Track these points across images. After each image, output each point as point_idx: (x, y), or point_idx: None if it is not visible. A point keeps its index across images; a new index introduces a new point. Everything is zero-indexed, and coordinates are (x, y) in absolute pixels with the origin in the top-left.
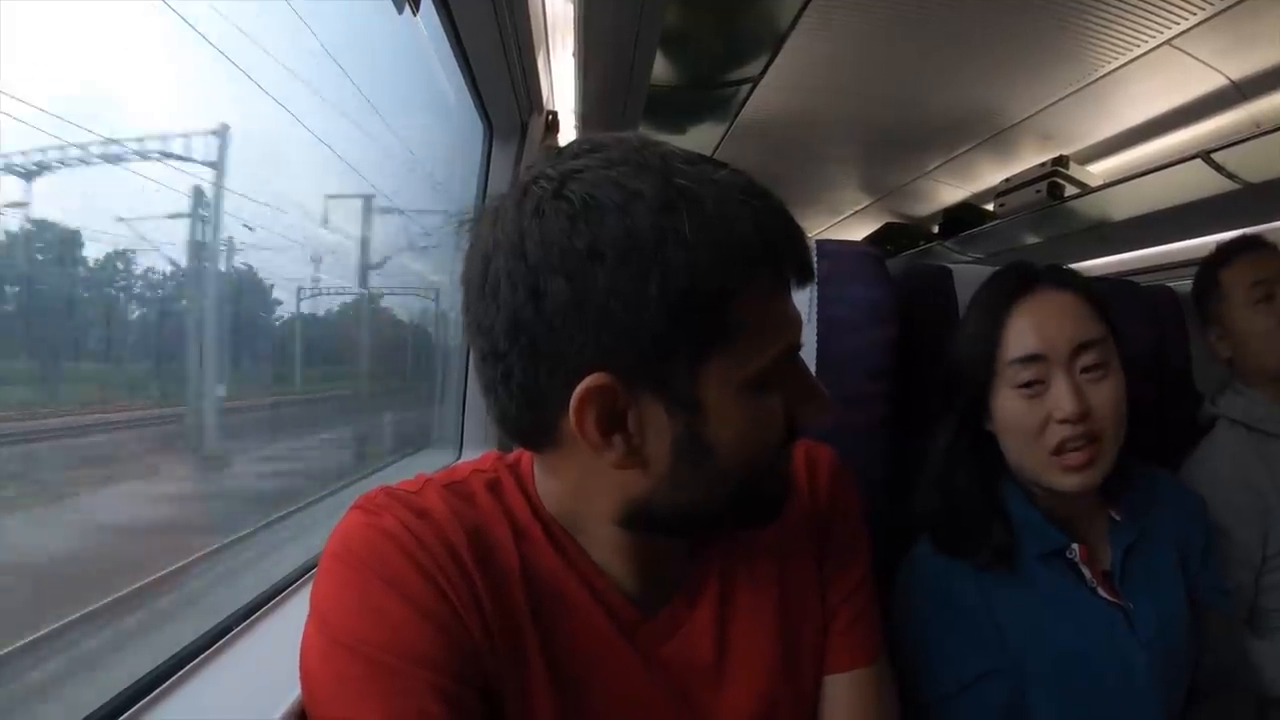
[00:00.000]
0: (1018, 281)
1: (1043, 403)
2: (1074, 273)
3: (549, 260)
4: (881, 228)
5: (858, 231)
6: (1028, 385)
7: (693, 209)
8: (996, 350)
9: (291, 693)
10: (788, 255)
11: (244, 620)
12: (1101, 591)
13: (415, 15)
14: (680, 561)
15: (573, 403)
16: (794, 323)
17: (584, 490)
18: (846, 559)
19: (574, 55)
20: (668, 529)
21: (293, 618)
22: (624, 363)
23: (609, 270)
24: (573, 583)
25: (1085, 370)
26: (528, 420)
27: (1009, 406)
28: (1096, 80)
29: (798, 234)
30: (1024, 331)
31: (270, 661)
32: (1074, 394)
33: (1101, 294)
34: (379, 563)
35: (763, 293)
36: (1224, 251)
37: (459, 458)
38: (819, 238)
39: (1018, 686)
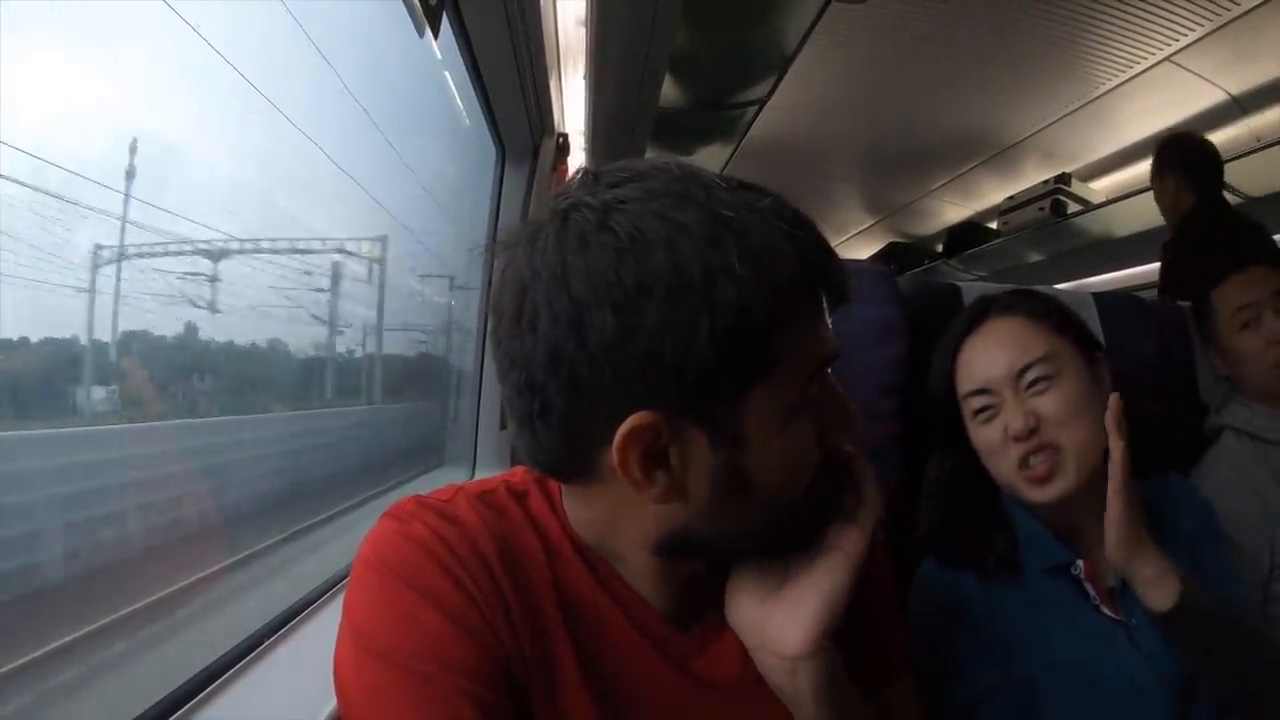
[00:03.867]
0: (968, 319)
1: (997, 424)
2: (1026, 295)
3: (595, 293)
4: (886, 247)
5: (862, 251)
6: (982, 411)
7: (739, 242)
8: (954, 387)
9: (328, 702)
10: (828, 283)
11: (280, 628)
12: (1104, 609)
13: (435, 39)
14: (712, 581)
15: (616, 441)
16: (829, 345)
17: (618, 521)
18: (876, 579)
19: (585, 78)
20: (705, 558)
21: (328, 622)
22: (669, 400)
23: (657, 306)
24: (604, 599)
25: (1031, 385)
26: (565, 455)
27: (975, 433)
28: (1098, 97)
29: (836, 261)
30: (970, 366)
31: (306, 669)
32: (1019, 411)
33: (1054, 308)
34: (409, 570)
35: (803, 321)
36: (1214, 271)
37: (472, 475)
38: None
39: (1029, 697)
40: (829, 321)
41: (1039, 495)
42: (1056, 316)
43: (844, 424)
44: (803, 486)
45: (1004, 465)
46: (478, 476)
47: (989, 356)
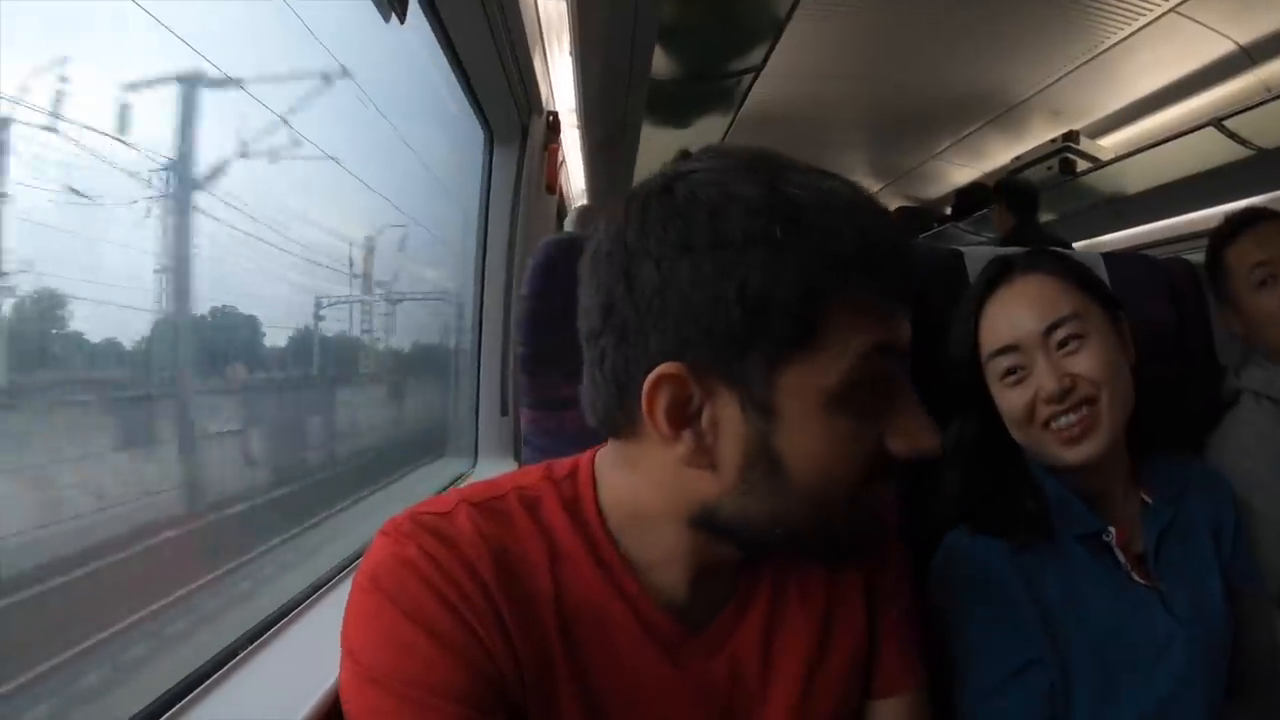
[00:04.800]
0: (989, 278)
1: (1028, 386)
2: (1048, 254)
3: (644, 246)
4: (894, 212)
5: None
6: (1010, 373)
7: (787, 212)
8: (977, 348)
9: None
10: (889, 269)
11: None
12: (1135, 575)
13: (402, 23)
14: (732, 574)
15: (645, 386)
16: (892, 335)
17: (656, 486)
18: (895, 589)
19: (570, 54)
20: (736, 540)
21: (311, 626)
22: (700, 356)
23: (693, 263)
24: (614, 603)
25: (1062, 345)
26: (615, 404)
27: (1000, 398)
28: (1104, 51)
29: (904, 250)
30: (996, 325)
31: (288, 674)
32: (1053, 372)
33: (1077, 266)
34: (402, 595)
35: (857, 305)
36: (1228, 226)
37: (474, 465)
38: None
39: (1061, 671)
40: (903, 316)
41: (1072, 455)
42: (1080, 275)
43: (912, 437)
44: (847, 488)
45: (1032, 429)
46: (480, 461)
47: (1016, 314)
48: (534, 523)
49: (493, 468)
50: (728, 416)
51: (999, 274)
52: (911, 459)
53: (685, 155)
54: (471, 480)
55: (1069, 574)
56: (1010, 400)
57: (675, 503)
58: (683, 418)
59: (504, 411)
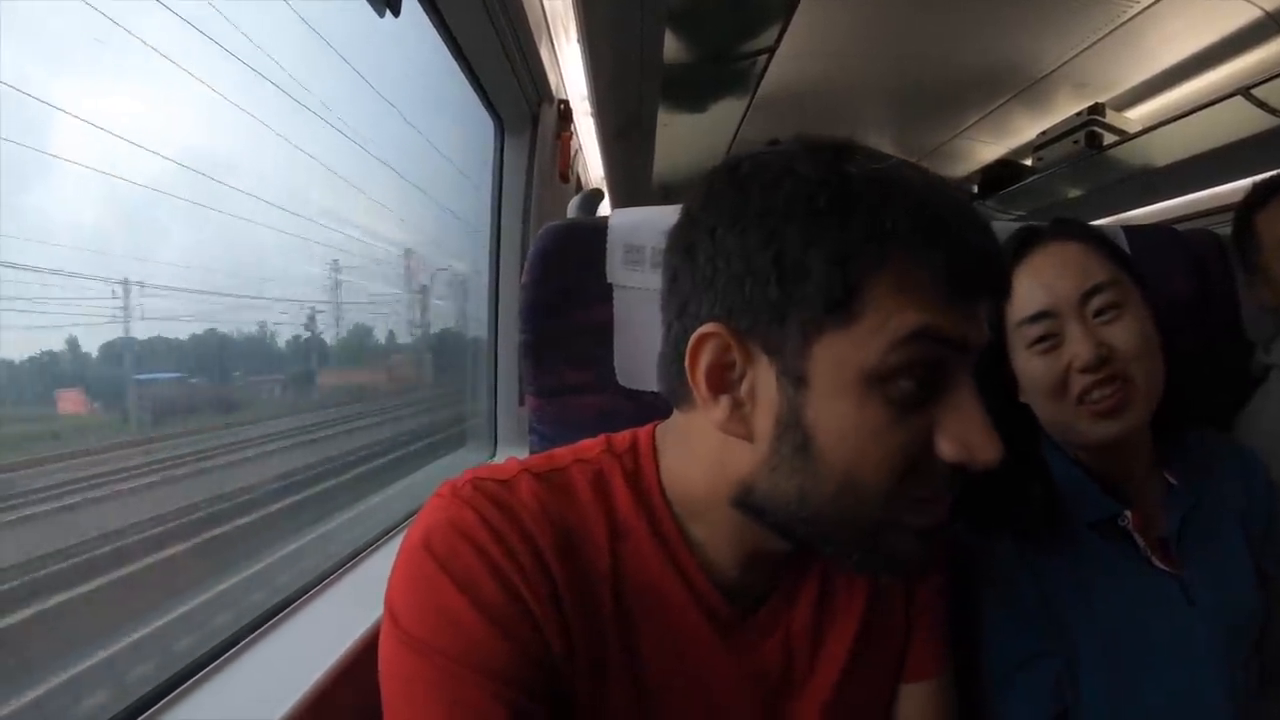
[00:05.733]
0: (1018, 244)
1: (1060, 355)
2: (1079, 223)
3: (704, 219)
4: None
5: None
6: (1041, 340)
7: (838, 186)
8: (1003, 315)
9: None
10: (945, 250)
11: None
12: (1156, 561)
13: (396, 16)
14: (782, 563)
15: (689, 345)
16: (945, 329)
17: (702, 461)
18: (930, 573)
19: (579, 42)
20: (771, 522)
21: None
22: (742, 322)
23: (741, 230)
24: (671, 582)
25: (1098, 314)
26: (675, 373)
27: (1027, 367)
28: (1128, 21)
29: (974, 237)
30: (1028, 290)
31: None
32: (1090, 339)
33: (1107, 238)
34: (453, 561)
35: (903, 283)
36: (1257, 193)
37: (494, 454)
38: None
39: (1068, 664)
40: (977, 316)
41: (1103, 430)
42: (1113, 249)
43: (966, 443)
44: (880, 479)
45: (1062, 402)
46: (499, 450)
47: (1050, 279)
48: (597, 497)
49: (512, 454)
50: (765, 384)
51: (1029, 239)
52: (964, 466)
53: (773, 142)
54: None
55: (1077, 566)
56: (1039, 370)
57: (718, 480)
58: (723, 382)
59: (522, 401)
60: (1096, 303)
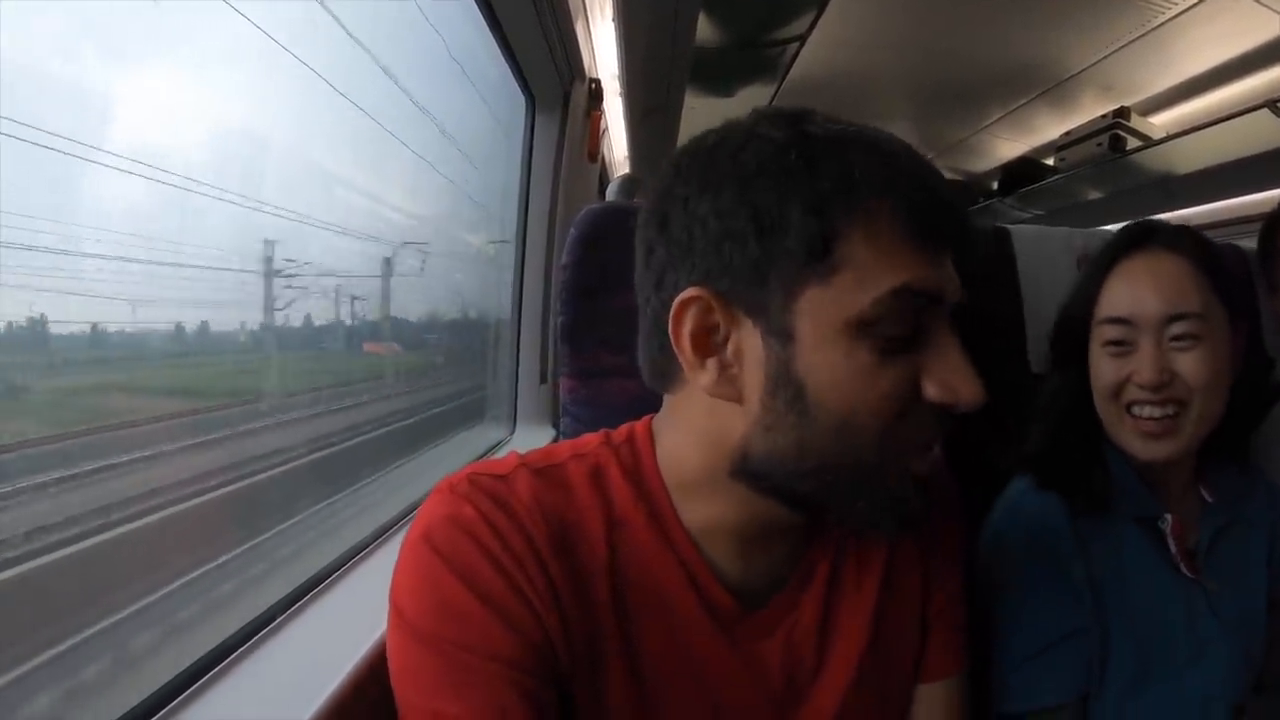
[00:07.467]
0: (1128, 240)
1: (1126, 364)
2: (1193, 235)
3: (674, 191)
4: None
5: None
6: (1116, 343)
7: (805, 147)
8: (1094, 307)
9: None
10: (912, 201)
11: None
12: (1184, 568)
13: None
14: (790, 550)
15: (671, 313)
16: (922, 269)
17: (697, 435)
18: (950, 568)
19: (613, 20)
20: (775, 489)
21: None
22: (723, 285)
23: (714, 195)
24: (671, 574)
25: (1175, 339)
26: (657, 350)
27: (1097, 363)
28: (1157, 27)
29: (933, 186)
30: (1118, 292)
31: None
32: (1156, 363)
33: (1218, 261)
34: (455, 554)
35: (879, 232)
36: None
37: (513, 432)
38: None
39: (1099, 647)
40: (946, 263)
41: (1143, 450)
42: (1219, 271)
43: (950, 384)
44: (875, 422)
45: (1114, 406)
46: (519, 428)
47: (1141, 290)
48: (595, 491)
49: (531, 435)
50: (750, 344)
51: (1137, 240)
52: (950, 407)
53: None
54: (511, 449)
55: (1119, 552)
56: (1104, 370)
57: (714, 454)
58: (708, 345)
59: (543, 379)
60: (1176, 329)
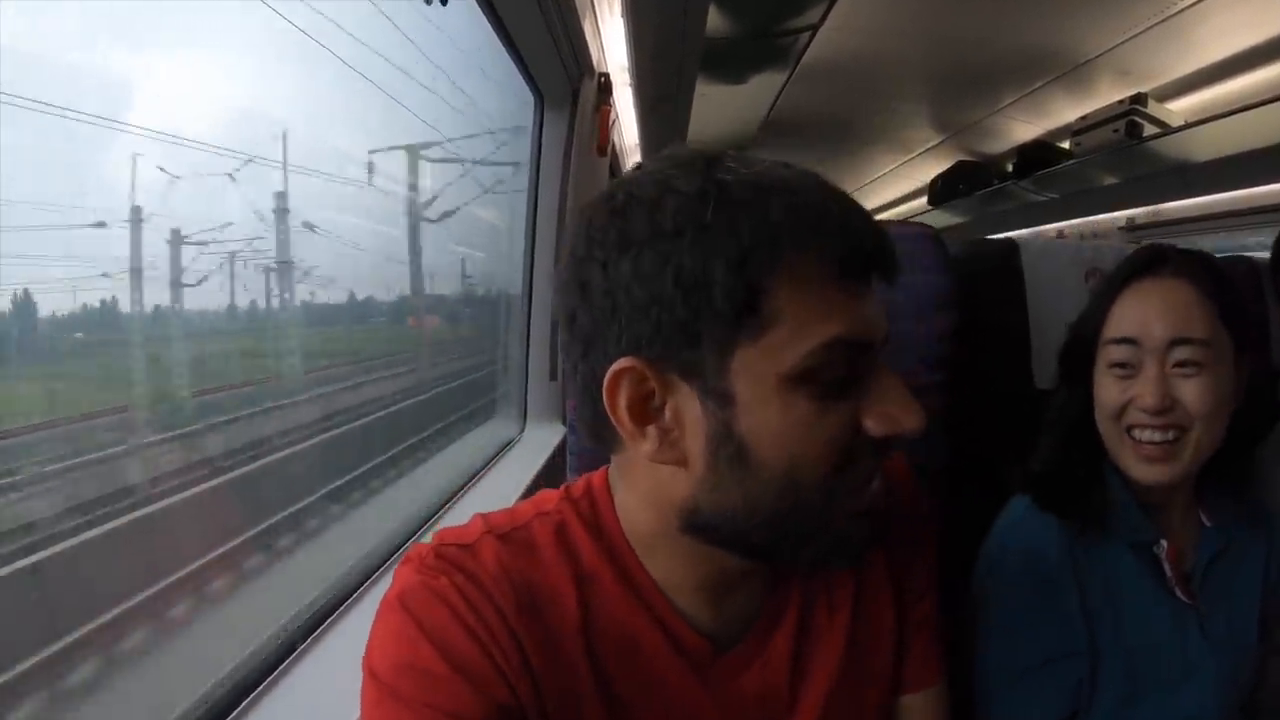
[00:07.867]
0: (1140, 263)
1: (1130, 386)
2: (1205, 260)
3: (591, 252)
4: (953, 166)
5: (928, 170)
6: (1120, 365)
7: (721, 198)
8: (1101, 327)
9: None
10: (829, 240)
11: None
12: (1179, 592)
13: (444, 4)
14: (758, 588)
15: (604, 385)
16: (851, 316)
17: (643, 496)
18: (924, 586)
19: (622, 17)
20: (726, 542)
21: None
22: (653, 350)
23: (633, 258)
24: (642, 624)
25: (1179, 365)
26: (594, 414)
27: (1101, 382)
28: (1177, 13)
29: (859, 222)
30: (1126, 313)
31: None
32: (1158, 387)
33: (1229, 288)
34: (428, 620)
35: (804, 282)
36: None
37: (523, 430)
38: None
39: (1092, 670)
40: (872, 302)
41: (1140, 473)
42: (1229, 301)
43: (890, 417)
44: (819, 470)
45: (1115, 428)
46: (529, 424)
47: (1148, 313)
48: (560, 549)
49: (541, 430)
50: (688, 408)
51: (1150, 263)
52: (891, 439)
53: (637, 167)
54: (521, 444)
55: (1114, 576)
56: (1107, 391)
57: (663, 511)
58: (645, 413)
59: (553, 376)
60: (1180, 354)
